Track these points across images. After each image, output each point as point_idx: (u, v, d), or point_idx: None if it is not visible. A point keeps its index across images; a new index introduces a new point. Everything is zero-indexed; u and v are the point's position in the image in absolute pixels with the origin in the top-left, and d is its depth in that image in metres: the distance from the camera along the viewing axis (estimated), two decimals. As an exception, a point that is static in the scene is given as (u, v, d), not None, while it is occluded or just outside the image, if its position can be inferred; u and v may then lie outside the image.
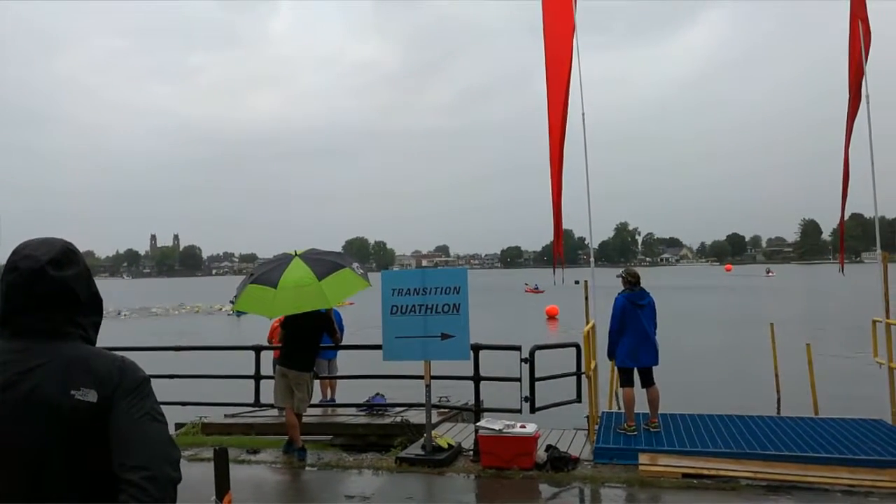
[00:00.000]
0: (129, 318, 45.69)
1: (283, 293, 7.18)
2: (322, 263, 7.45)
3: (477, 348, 8.12)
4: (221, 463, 2.49)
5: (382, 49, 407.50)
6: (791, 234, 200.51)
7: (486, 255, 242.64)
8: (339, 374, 10.34)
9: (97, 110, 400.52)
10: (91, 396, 1.61)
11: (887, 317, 7.70)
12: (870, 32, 8.19)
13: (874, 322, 8.21)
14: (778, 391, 11.89)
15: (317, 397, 9.68)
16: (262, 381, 9.25)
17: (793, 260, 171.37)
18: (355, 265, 7.68)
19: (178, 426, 9.36)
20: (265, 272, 7.57)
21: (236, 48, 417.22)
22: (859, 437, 7.30)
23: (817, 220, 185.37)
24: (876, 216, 7.99)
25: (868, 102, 8.06)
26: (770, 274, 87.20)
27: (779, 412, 11.01)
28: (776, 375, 11.98)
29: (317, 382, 10.07)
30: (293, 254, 7.72)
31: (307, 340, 7.71)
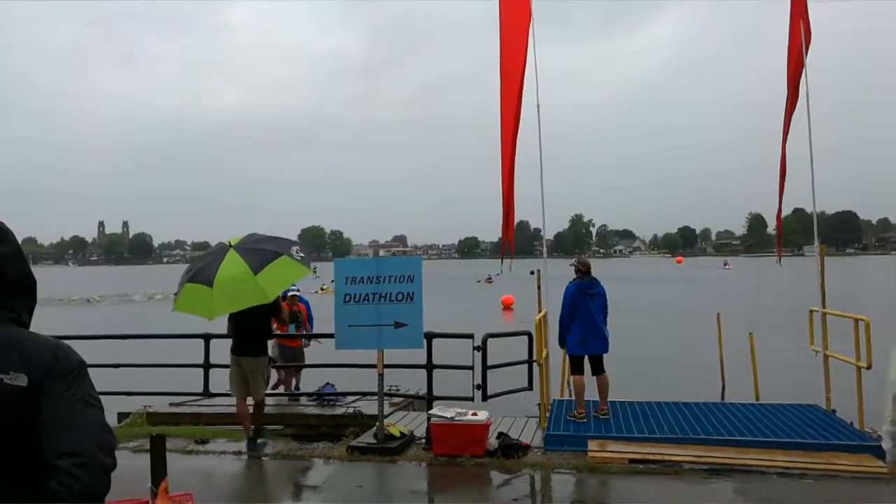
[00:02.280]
0: (99, 304, 44.23)
1: (220, 291, 6.92)
2: (258, 254, 7.14)
3: (430, 336, 8.16)
4: (158, 449, 2.46)
5: (346, 41, 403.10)
6: (739, 228, 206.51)
7: (443, 246, 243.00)
8: (293, 362, 10.23)
9: (50, 98, 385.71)
10: (21, 381, 1.56)
11: (823, 307, 8.02)
12: (810, 32, 8.46)
13: (811, 311, 8.54)
14: (723, 379, 12.26)
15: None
16: (212, 370, 9.11)
17: (741, 252, 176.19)
18: (294, 249, 7.34)
19: (122, 416, 9.14)
20: (201, 268, 7.28)
21: (196, 37, 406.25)
22: (795, 421, 7.61)
23: (763, 214, 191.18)
24: (814, 210, 8.28)
25: (808, 99, 8.34)
26: (728, 266, 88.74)
27: (723, 399, 11.37)
28: (721, 364, 12.35)
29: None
30: (228, 244, 7.39)
31: (255, 326, 7.58)
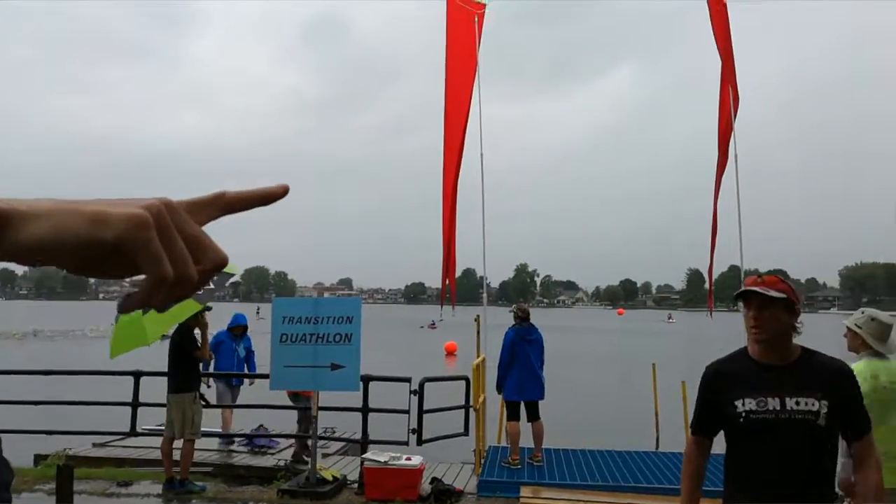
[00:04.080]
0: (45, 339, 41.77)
1: (118, 332, 6.80)
2: None
3: (367, 379, 8.09)
4: (65, 480, 2.37)
5: (302, 78, 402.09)
6: (678, 283, 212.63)
7: (389, 290, 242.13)
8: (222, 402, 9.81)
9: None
10: None
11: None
12: (738, 97, 9.03)
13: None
14: (657, 428, 12.47)
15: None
16: (140, 409, 8.78)
17: (680, 307, 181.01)
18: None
19: (40, 458, 8.61)
20: None
21: (152, 67, 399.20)
22: (723, 470, 7.78)
23: (701, 269, 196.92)
24: (742, 264, 8.69)
25: (736, 160, 8.83)
26: (671, 320, 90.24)
27: (657, 447, 11.55)
28: (656, 413, 12.57)
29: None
30: None
31: (173, 360, 7.35)
